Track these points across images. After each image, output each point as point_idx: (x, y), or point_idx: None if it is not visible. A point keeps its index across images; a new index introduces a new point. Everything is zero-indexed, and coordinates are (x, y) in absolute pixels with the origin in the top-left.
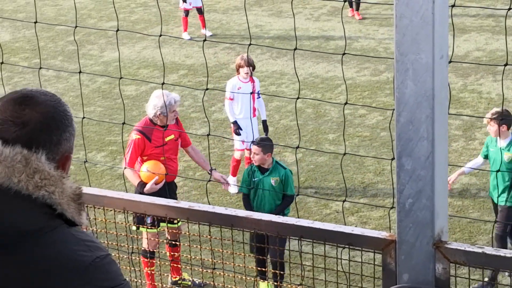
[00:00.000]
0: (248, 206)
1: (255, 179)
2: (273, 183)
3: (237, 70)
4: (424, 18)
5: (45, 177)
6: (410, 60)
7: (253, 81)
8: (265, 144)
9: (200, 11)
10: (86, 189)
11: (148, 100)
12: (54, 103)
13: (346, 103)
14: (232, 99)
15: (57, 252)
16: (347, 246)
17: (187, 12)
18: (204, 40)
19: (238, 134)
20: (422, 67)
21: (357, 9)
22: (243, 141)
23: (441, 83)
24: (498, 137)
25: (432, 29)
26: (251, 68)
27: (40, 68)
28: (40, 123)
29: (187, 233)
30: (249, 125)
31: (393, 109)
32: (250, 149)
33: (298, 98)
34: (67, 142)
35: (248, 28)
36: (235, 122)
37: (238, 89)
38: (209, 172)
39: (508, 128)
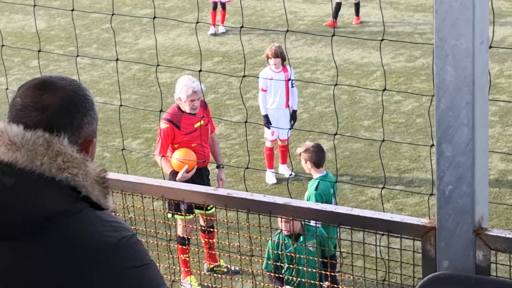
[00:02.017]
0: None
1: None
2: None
3: (267, 61)
4: (464, 2)
5: (68, 159)
6: (450, 46)
7: (286, 70)
8: None
9: (224, 6)
10: (124, 177)
11: None
12: (73, 87)
13: (384, 90)
14: (265, 90)
15: (83, 234)
16: (387, 233)
17: (215, 5)
18: (241, 27)
19: (268, 128)
20: (462, 52)
21: (357, 14)
22: (272, 132)
23: (481, 68)
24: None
25: (472, 14)
26: (279, 59)
27: (77, 56)
28: (60, 107)
29: (225, 220)
30: (281, 116)
31: (433, 95)
32: (281, 139)
33: (336, 84)
34: (89, 126)
35: (286, 14)
36: (265, 116)
37: (270, 79)
38: (217, 167)
39: (317, 166)
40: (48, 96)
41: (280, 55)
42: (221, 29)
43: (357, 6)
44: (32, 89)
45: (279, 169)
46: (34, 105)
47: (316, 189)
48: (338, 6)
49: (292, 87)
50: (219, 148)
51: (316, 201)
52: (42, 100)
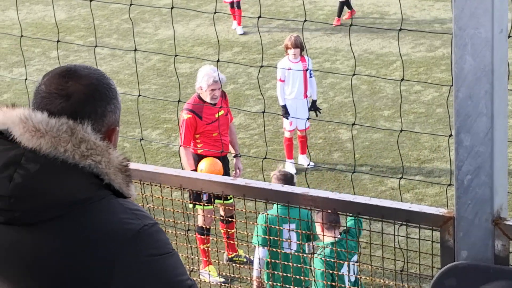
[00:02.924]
0: None
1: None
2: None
3: (286, 51)
4: None
5: (91, 147)
6: (468, 35)
7: (304, 60)
8: None
9: (238, 5)
10: (142, 166)
11: None
12: (97, 75)
13: (402, 79)
14: (283, 81)
15: (105, 221)
16: (405, 223)
17: (231, 3)
18: (259, 17)
19: (286, 118)
20: (481, 41)
21: (340, 16)
22: (291, 123)
23: (500, 57)
24: None
25: (492, 3)
26: (298, 49)
27: (96, 46)
28: (84, 94)
29: (244, 210)
30: (299, 106)
31: (451, 85)
32: (300, 129)
33: (354, 74)
34: (112, 115)
35: (304, 5)
36: (284, 106)
37: (288, 70)
38: (234, 156)
39: None
40: (73, 83)
41: (300, 45)
42: (239, 30)
43: (341, 5)
44: (57, 77)
45: (298, 159)
46: (59, 93)
47: (267, 213)
48: None
49: (311, 77)
50: (236, 137)
51: (264, 222)
52: (66, 88)
